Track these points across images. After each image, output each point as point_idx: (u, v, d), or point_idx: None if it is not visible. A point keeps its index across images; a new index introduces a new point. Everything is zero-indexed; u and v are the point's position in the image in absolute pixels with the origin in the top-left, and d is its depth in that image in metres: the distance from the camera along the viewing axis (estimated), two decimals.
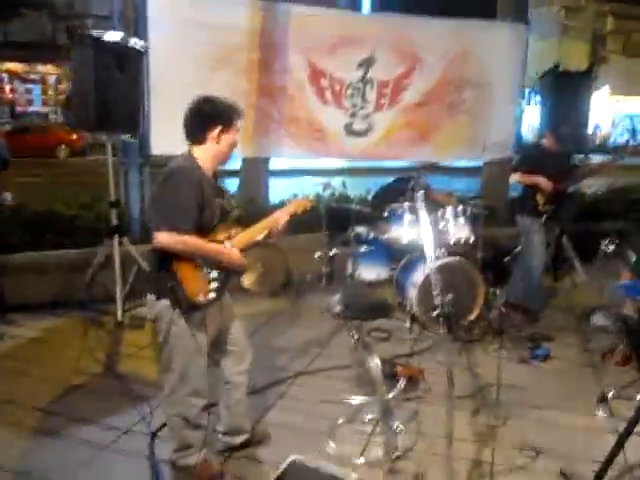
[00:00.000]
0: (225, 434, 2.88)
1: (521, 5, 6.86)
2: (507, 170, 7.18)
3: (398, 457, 2.86)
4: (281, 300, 5.44)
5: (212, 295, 2.51)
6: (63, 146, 18.55)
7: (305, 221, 4.15)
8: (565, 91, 5.91)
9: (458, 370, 3.86)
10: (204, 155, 2.54)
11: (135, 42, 4.54)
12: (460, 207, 4.75)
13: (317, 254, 4.85)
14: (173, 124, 5.25)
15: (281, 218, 2.76)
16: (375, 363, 2.99)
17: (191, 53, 5.32)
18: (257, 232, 2.72)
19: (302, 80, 5.71)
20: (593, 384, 3.74)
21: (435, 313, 4.13)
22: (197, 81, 5.28)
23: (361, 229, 4.97)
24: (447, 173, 12.08)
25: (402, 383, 3.33)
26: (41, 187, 10.27)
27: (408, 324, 4.58)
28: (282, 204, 6.05)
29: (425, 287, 4.41)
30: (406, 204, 4.72)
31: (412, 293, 4.48)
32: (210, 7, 5.33)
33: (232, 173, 10.46)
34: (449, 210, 4.73)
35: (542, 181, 4.72)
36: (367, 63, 5.81)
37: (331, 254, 4.81)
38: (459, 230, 4.70)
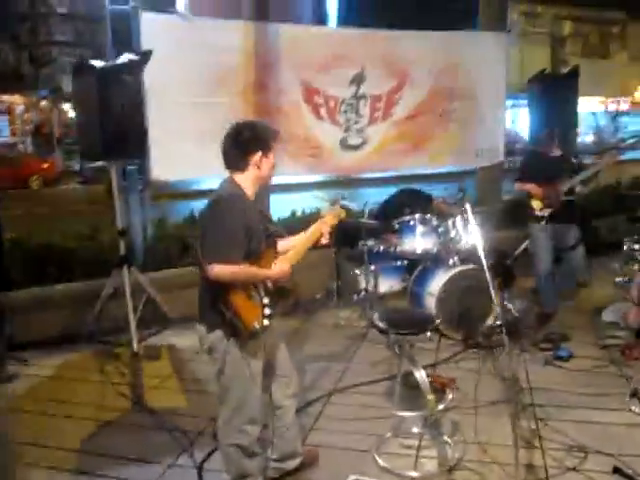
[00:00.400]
0: (278, 460, 2.84)
1: (501, 13, 7.04)
2: (499, 174, 7.38)
3: (452, 468, 2.86)
4: (292, 319, 5.40)
5: (266, 322, 2.49)
6: (36, 176, 18.16)
7: None
8: (553, 94, 6.06)
9: (486, 377, 3.90)
10: (246, 181, 2.55)
11: (129, 57, 4.44)
12: (468, 215, 4.81)
13: None
14: (172, 148, 5.35)
15: (323, 230, 2.77)
16: (421, 375, 2.99)
17: (188, 75, 5.30)
18: (303, 248, 2.72)
19: (297, 98, 5.73)
20: (619, 380, 3.81)
21: (456, 321, 4.22)
22: (195, 104, 5.27)
23: (372, 242, 5.00)
24: (426, 180, 12.24)
25: (450, 394, 3.32)
26: (24, 219, 10.01)
27: (428, 333, 4.60)
28: (286, 221, 6.05)
29: (444, 295, 4.46)
30: (417, 215, 4.78)
31: (430, 302, 4.51)
32: (205, 29, 5.33)
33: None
34: (458, 219, 4.79)
35: (530, 187, 4.78)
36: (358, 79, 5.88)
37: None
38: (471, 237, 4.76)
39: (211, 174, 6.31)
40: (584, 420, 3.34)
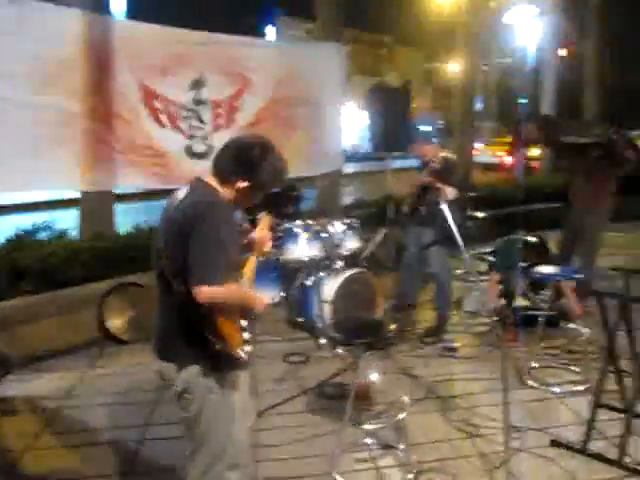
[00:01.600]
0: None
1: (338, 25, 7.37)
2: (338, 180, 7.66)
3: (418, 472, 2.81)
4: None
5: (247, 348, 2.14)
6: None
7: None
8: (389, 102, 6.51)
9: (395, 376, 3.96)
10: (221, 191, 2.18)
11: None
12: (345, 220, 4.87)
13: None
14: None
15: (265, 238, 2.46)
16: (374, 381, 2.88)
17: (8, 67, 4.40)
18: (254, 262, 2.40)
19: (136, 103, 5.19)
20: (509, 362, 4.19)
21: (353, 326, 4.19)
22: (18, 104, 4.42)
23: None
24: None
25: (406, 398, 3.23)
26: None
27: (322, 341, 4.51)
28: (132, 236, 5.40)
29: (338, 301, 4.41)
30: (298, 222, 4.67)
31: (324, 309, 4.42)
32: (29, 11, 4.46)
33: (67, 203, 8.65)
34: (337, 224, 4.81)
35: None
36: (197, 85, 5.57)
37: None
38: (351, 242, 4.82)
39: (34, 188, 5.40)
40: (499, 402, 3.57)
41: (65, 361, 4.33)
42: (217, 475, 2.14)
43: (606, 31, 12.53)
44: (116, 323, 4.76)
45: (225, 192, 2.14)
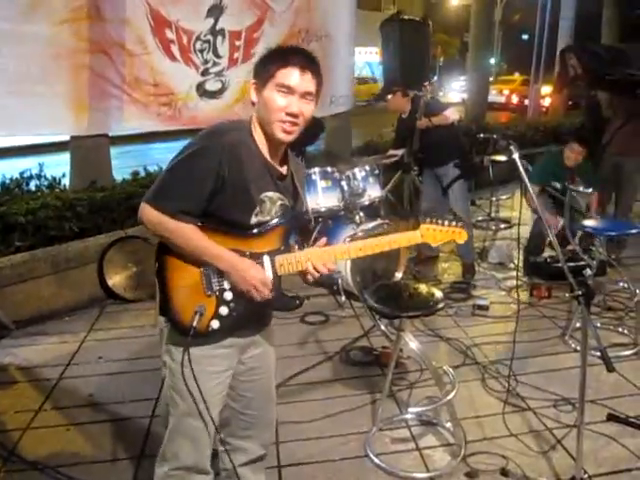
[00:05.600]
0: None
1: None
2: (349, 121, 7.13)
3: (466, 456, 2.51)
4: None
5: (215, 324, 1.70)
6: None
7: None
8: (407, 36, 5.91)
9: (427, 339, 3.64)
10: (255, 123, 1.74)
11: None
12: (367, 166, 4.43)
13: None
14: None
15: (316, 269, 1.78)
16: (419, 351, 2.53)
17: None
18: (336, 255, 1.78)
19: (144, 32, 4.59)
20: (545, 321, 3.88)
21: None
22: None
23: None
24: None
25: (450, 372, 2.88)
26: None
27: (342, 299, 4.17)
28: (130, 183, 4.92)
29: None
30: (317, 169, 4.23)
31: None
32: None
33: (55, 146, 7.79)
34: (357, 170, 4.37)
35: None
36: (216, 11, 4.94)
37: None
38: (372, 190, 4.39)
39: (21, 132, 4.86)
40: (542, 369, 3.27)
41: (63, 324, 3.99)
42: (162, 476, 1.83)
43: None
44: (118, 280, 4.39)
45: (257, 117, 1.73)
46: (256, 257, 1.72)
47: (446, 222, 1.77)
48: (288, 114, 1.64)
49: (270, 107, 1.65)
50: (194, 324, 1.64)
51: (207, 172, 1.61)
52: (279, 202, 1.75)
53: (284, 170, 1.79)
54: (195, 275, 1.69)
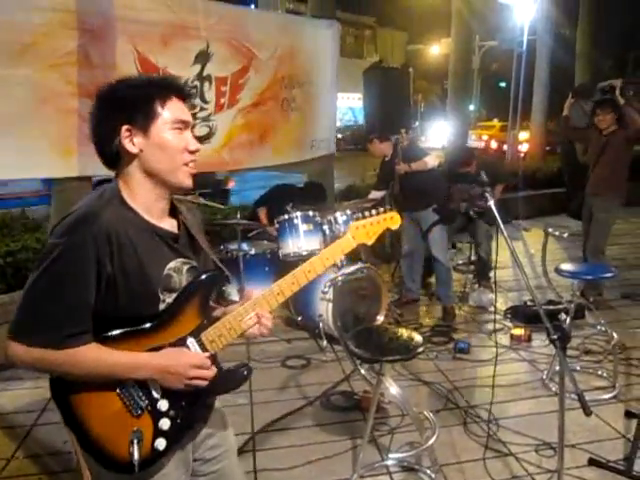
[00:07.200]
0: None
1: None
2: (331, 165, 7.25)
3: None
4: None
5: (161, 444, 1.41)
6: None
7: None
8: (388, 84, 6.09)
9: (407, 383, 3.63)
10: (130, 184, 1.42)
11: None
12: (348, 210, 4.50)
13: None
14: None
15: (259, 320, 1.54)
16: (403, 399, 2.53)
17: None
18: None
19: None
20: (525, 365, 3.90)
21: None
22: None
23: (246, 246, 4.34)
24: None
25: (430, 417, 2.85)
26: None
27: (324, 343, 4.16)
28: None
29: (339, 298, 4.05)
30: (299, 213, 4.28)
31: (324, 307, 4.06)
32: None
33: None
34: (338, 214, 4.43)
35: None
36: (203, 57, 5.07)
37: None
38: None
39: (7, 175, 4.85)
40: (523, 413, 3.27)
41: None
42: None
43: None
44: None
45: (133, 174, 1.41)
46: (180, 343, 1.44)
47: (373, 211, 1.68)
48: (191, 152, 1.44)
49: (170, 151, 1.40)
50: (135, 457, 1.35)
51: (83, 276, 1.30)
52: (185, 267, 1.48)
53: (175, 226, 1.50)
54: (112, 400, 1.38)
